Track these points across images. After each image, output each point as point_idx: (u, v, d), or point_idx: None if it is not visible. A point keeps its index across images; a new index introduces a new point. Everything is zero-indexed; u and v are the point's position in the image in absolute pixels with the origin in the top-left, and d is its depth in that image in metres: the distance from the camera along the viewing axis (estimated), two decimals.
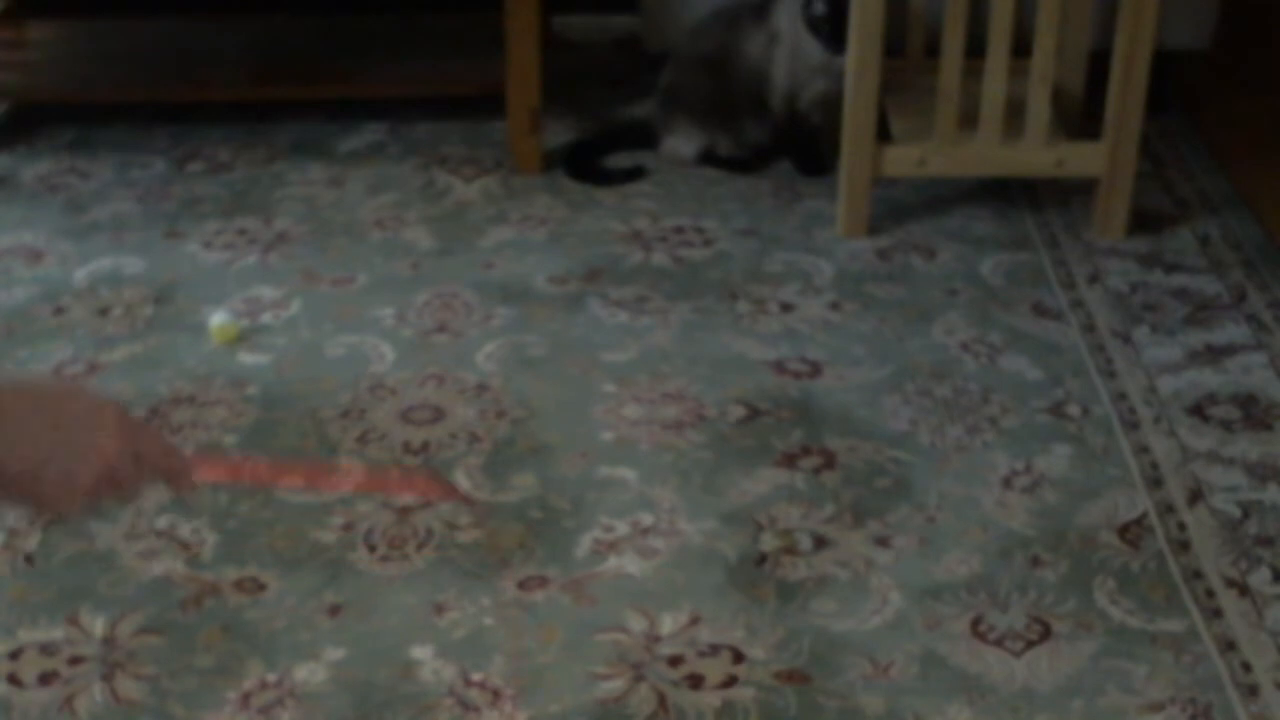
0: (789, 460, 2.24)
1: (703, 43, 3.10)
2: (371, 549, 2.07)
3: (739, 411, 2.35)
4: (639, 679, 1.86)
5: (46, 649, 1.91)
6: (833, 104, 2.91)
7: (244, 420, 2.34)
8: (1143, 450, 2.26)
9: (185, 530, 2.11)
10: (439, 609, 1.97)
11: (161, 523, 2.12)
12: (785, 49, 2.99)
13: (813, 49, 2.93)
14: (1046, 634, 1.92)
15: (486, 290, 2.68)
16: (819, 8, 2.89)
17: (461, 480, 2.20)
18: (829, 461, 2.24)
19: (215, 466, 1.34)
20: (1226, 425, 2.31)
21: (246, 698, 1.84)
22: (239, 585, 2.01)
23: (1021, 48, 2.71)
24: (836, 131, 2.81)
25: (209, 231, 2.87)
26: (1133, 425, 2.31)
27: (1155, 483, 2.19)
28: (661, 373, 2.45)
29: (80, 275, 2.74)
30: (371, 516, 2.13)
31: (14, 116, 3.33)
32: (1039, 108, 2.72)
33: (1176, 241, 2.83)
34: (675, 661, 1.89)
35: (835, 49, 2.86)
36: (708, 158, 3.10)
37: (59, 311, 2.63)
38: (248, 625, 1.94)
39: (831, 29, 2.86)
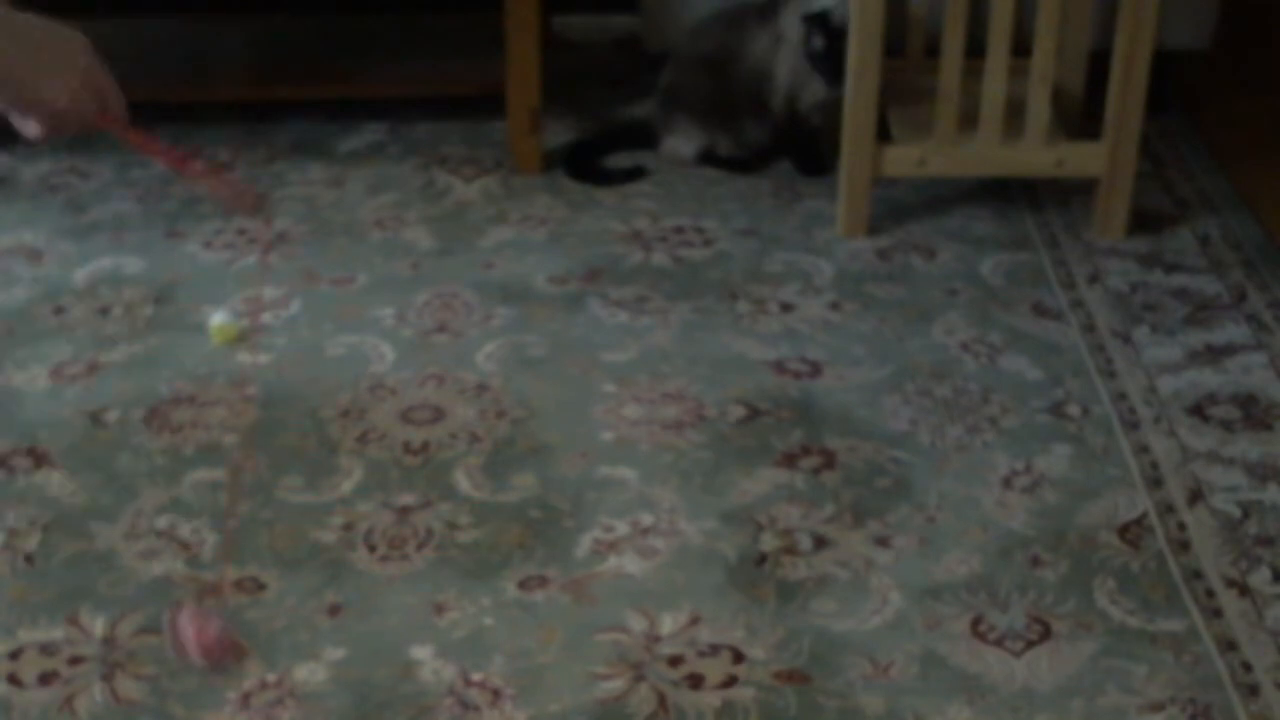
0: (789, 460, 2.24)
1: (704, 43, 3.10)
2: (371, 549, 2.07)
3: (739, 411, 2.35)
4: (639, 679, 1.86)
5: (46, 649, 1.91)
6: (833, 107, 2.91)
7: (244, 420, 2.34)
8: (1143, 450, 2.26)
9: (185, 530, 2.11)
10: (439, 609, 1.97)
11: (161, 523, 2.12)
12: (789, 51, 2.99)
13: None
14: (1046, 634, 1.92)
15: (486, 290, 2.68)
16: (818, 42, 2.90)
17: (461, 480, 2.20)
18: (829, 461, 2.24)
19: (141, 139, 1.52)
20: (1226, 425, 2.31)
21: (246, 698, 1.84)
22: (239, 585, 2.01)
23: (1021, 48, 2.71)
24: (836, 132, 2.81)
25: (209, 231, 2.87)
26: (1133, 425, 2.31)
27: (1155, 483, 2.19)
28: (661, 373, 2.45)
29: (80, 275, 2.74)
30: (371, 516, 2.13)
31: None
32: (1039, 108, 2.72)
33: (1176, 241, 2.83)
34: (675, 661, 1.89)
35: (833, 83, 2.87)
36: (707, 157, 3.10)
37: (59, 311, 2.63)
38: (248, 625, 1.94)
39: (829, 63, 2.87)
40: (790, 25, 2.98)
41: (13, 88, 1.34)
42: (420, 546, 2.08)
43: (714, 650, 1.90)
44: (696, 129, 3.10)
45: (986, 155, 2.78)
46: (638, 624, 1.95)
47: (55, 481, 2.21)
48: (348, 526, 2.12)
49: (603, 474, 2.22)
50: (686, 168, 3.10)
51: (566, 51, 3.52)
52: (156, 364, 2.48)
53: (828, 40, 2.88)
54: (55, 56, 1.37)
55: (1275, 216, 2.84)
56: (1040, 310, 2.61)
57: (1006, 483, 2.19)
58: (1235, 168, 3.05)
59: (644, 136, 3.16)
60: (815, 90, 2.98)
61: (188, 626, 1.57)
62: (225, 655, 1.61)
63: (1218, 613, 1.95)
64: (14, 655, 1.90)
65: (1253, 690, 1.84)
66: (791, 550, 2.07)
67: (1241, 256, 2.78)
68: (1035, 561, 2.04)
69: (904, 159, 2.80)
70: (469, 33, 3.33)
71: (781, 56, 3.01)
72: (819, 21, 2.90)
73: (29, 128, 1.39)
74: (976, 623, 1.94)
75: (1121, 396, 2.38)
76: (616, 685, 1.85)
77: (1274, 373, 2.44)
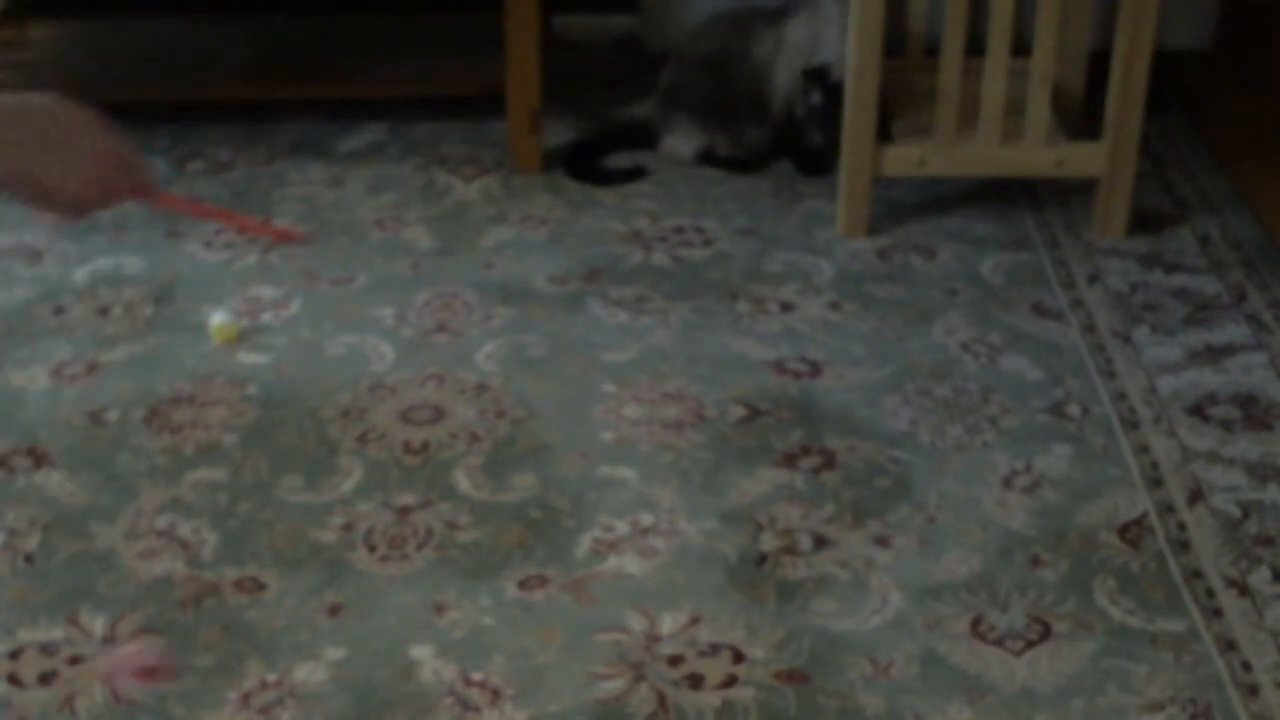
0: (789, 460, 2.24)
1: (706, 43, 3.10)
2: (371, 549, 2.07)
3: (739, 411, 2.35)
4: (639, 679, 1.86)
5: (46, 649, 1.91)
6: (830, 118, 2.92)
7: (244, 420, 2.34)
8: (1143, 450, 2.26)
9: (185, 530, 2.11)
10: (439, 609, 1.97)
11: (161, 523, 2.12)
12: (790, 56, 2.99)
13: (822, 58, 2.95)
14: (1046, 634, 1.92)
15: (486, 290, 2.68)
16: (815, 98, 2.92)
17: (461, 480, 2.20)
18: (829, 461, 2.24)
19: (176, 201, 1.51)
20: (1226, 425, 2.31)
21: (246, 698, 1.84)
22: (239, 585, 2.01)
23: (1021, 47, 2.71)
24: (837, 134, 2.81)
25: (209, 232, 2.87)
26: (1133, 425, 2.31)
27: (1155, 483, 2.19)
28: (661, 373, 2.45)
29: (80, 275, 2.74)
30: (371, 516, 2.13)
31: None
32: (1039, 108, 2.72)
33: (1176, 241, 2.83)
34: (675, 661, 1.89)
35: (829, 138, 2.89)
36: (707, 157, 3.10)
37: (59, 311, 2.63)
38: (248, 625, 1.94)
39: (826, 119, 2.89)
40: (794, 31, 2.99)
41: (22, 187, 1.31)
42: (420, 546, 2.08)
43: (714, 650, 1.90)
44: (696, 128, 3.10)
45: (986, 155, 2.78)
46: (638, 624, 1.95)
47: (55, 481, 2.21)
48: (348, 526, 2.12)
49: (603, 474, 2.22)
50: (686, 167, 3.10)
51: (566, 51, 3.52)
52: (156, 364, 2.48)
53: (825, 96, 2.89)
54: (62, 146, 1.32)
55: (1275, 216, 2.84)
56: (1040, 310, 2.61)
57: (1006, 483, 2.19)
58: (1235, 168, 3.05)
59: (644, 136, 3.16)
60: (813, 96, 2.98)
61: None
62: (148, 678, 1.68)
63: (1218, 613, 1.95)
64: (14, 655, 1.90)
65: (1253, 690, 1.84)
66: (791, 550, 2.07)
67: (1241, 256, 2.78)
68: (1035, 561, 2.04)
69: (904, 159, 2.80)
70: (469, 33, 3.33)
71: (783, 61, 3.01)
72: (817, 77, 2.91)
73: (47, 216, 1.37)
74: (976, 623, 1.94)
75: (1121, 396, 2.38)
76: (616, 685, 1.85)
77: (1274, 373, 2.44)
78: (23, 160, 1.30)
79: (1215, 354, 2.49)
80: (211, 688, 1.85)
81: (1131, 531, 2.10)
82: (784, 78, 3.02)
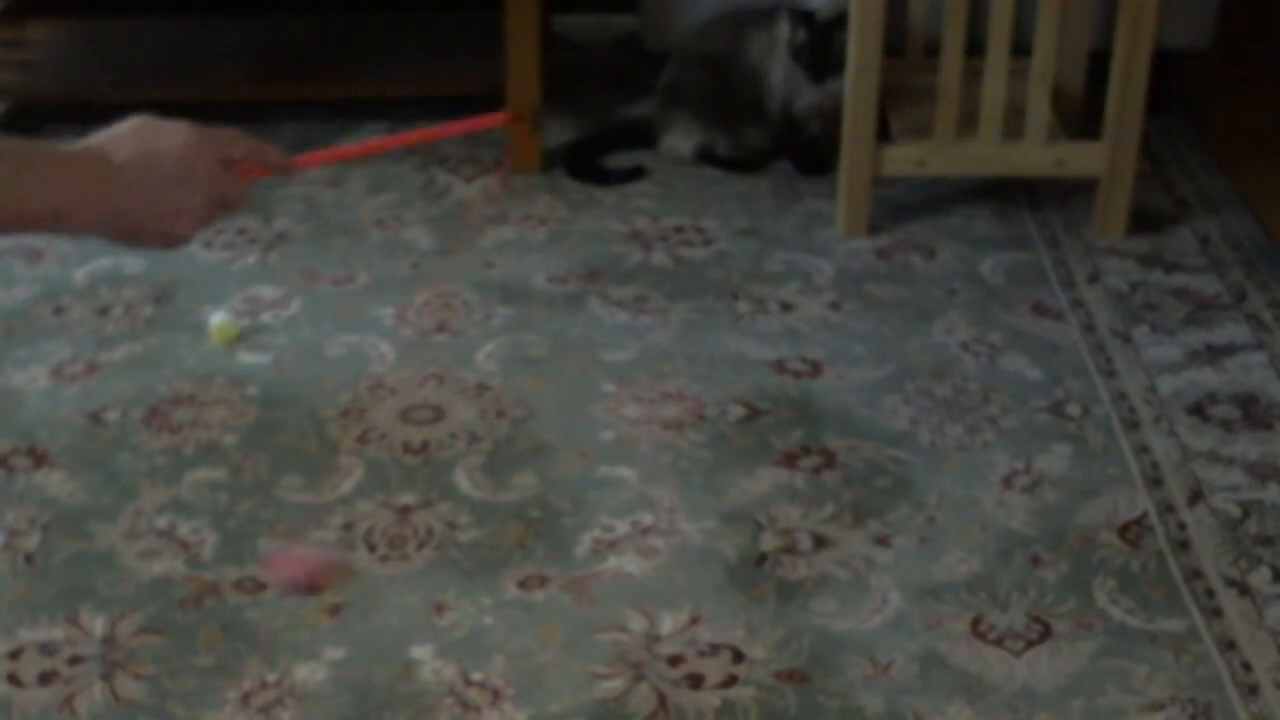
0: (789, 460, 2.24)
1: (708, 42, 3.10)
2: (371, 549, 2.07)
3: (739, 411, 2.35)
4: (639, 679, 1.86)
5: (46, 649, 1.91)
6: (828, 113, 2.91)
7: (244, 420, 2.34)
8: (1143, 450, 2.26)
9: (185, 530, 2.11)
10: (439, 609, 1.97)
11: (161, 523, 2.12)
12: (782, 54, 2.99)
13: None
14: (1046, 634, 1.92)
15: (486, 290, 2.68)
16: (800, 36, 2.91)
17: (461, 480, 2.20)
18: (829, 461, 2.24)
19: (311, 156, 1.46)
20: (1226, 425, 2.31)
21: (246, 698, 1.84)
22: (239, 585, 2.01)
23: (1021, 47, 2.71)
24: (836, 133, 2.81)
25: (209, 231, 2.87)
26: (1133, 425, 2.31)
27: (1155, 482, 2.19)
28: (661, 372, 2.45)
29: (80, 275, 2.74)
30: (371, 516, 2.13)
31: (14, 116, 3.33)
32: (1039, 108, 2.72)
33: (1176, 241, 2.83)
34: (675, 661, 1.89)
35: (815, 77, 2.88)
36: (705, 156, 3.10)
37: (59, 311, 2.63)
38: (248, 625, 1.94)
39: (812, 58, 2.88)
40: (784, 29, 2.98)
41: (140, 239, 1.29)
42: (420, 546, 2.08)
43: (714, 650, 1.90)
44: (695, 126, 3.09)
45: (986, 155, 2.78)
46: (638, 624, 1.95)
47: (55, 481, 2.21)
48: (348, 526, 2.12)
49: (603, 474, 2.22)
50: (686, 167, 3.10)
51: (566, 51, 3.52)
52: (156, 364, 2.48)
53: (810, 35, 2.88)
54: (176, 187, 1.28)
55: (1275, 216, 2.84)
56: (1040, 310, 2.61)
57: (1006, 482, 2.19)
58: (1235, 168, 3.04)
59: (644, 136, 3.16)
60: (808, 96, 2.98)
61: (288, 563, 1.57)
62: (324, 578, 1.59)
63: (1218, 613, 1.95)
64: (14, 655, 1.90)
65: (1253, 690, 1.84)
66: (791, 550, 2.07)
67: (1241, 256, 2.78)
68: (1035, 561, 2.04)
69: (904, 159, 2.80)
70: (469, 33, 3.33)
71: (776, 60, 3.01)
72: (803, 18, 2.90)
73: (148, 248, 1.33)
74: (976, 623, 1.94)
75: (1121, 396, 2.38)
76: (616, 685, 1.85)
77: (1274, 373, 2.44)
78: (136, 221, 1.27)
79: (1215, 354, 2.49)
80: (211, 688, 1.85)
81: (1131, 531, 2.10)
82: (779, 78, 3.02)
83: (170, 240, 1.31)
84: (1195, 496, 2.16)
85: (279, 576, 1.61)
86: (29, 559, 2.06)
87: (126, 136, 1.27)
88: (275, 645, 1.91)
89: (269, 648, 1.91)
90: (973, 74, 2.72)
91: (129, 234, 1.28)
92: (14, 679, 1.87)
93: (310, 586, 1.56)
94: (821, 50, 2.84)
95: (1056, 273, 2.72)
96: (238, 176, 1.34)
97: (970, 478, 2.20)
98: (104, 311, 2.62)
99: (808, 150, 3.06)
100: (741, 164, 3.09)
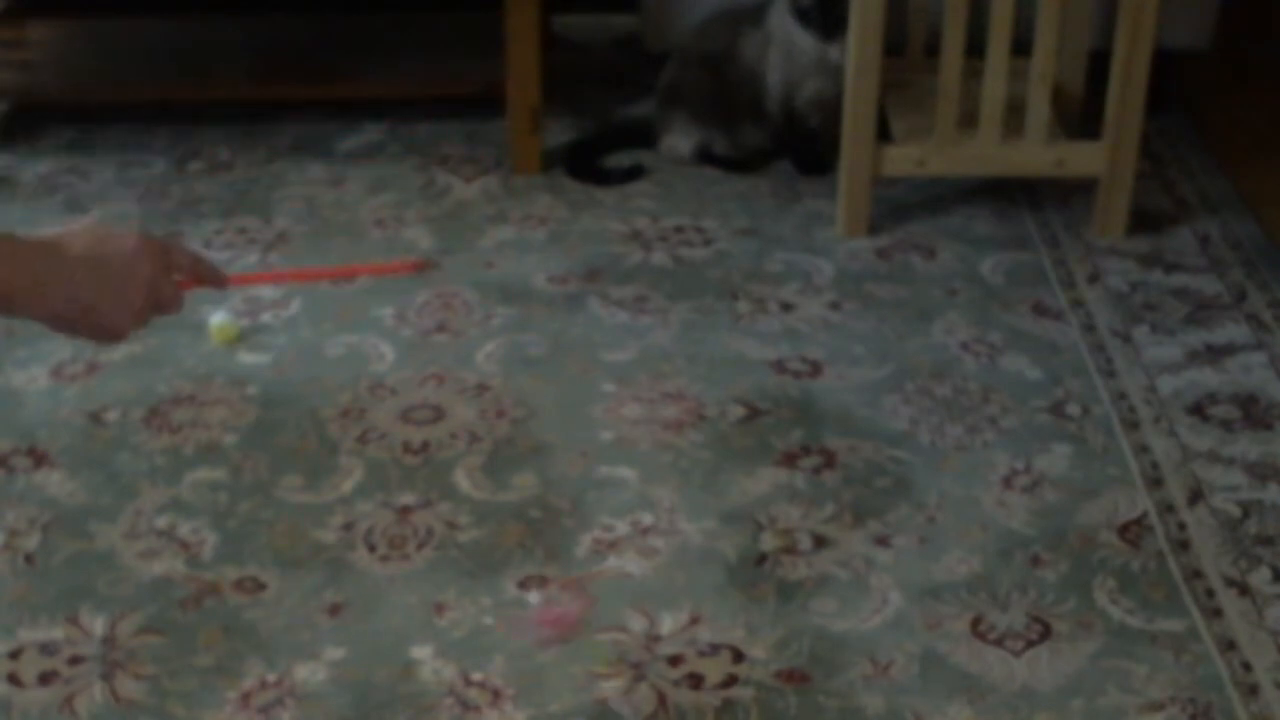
0: (789, 460, 2.24)
1: (707, 42, 3.10)
2: (371, 549, 2.07)
3: (739, 411, 2.35)
4: (639, 679, 1.86)
5: (46, 649, 1.91)
6: (830, 104, 2.91)
7: (244, 420, 2.34)
8: (1143, 450, 2.26)
9: (185, 530, 2.11)
10: (439, 609, 1.97)
11: (161, 523, 2.12)
12: (778, 50, 2.99)
13: (805, 46, 2.93)
14: (1046, 634, 1.92)
15: (486, 290, 2.68)
16: (806, 1, 2.89)
17: (461, 480, 2.20)
18: (829, 461, 2.24)
19: (247, 275, 1.59)
20: (1226, 425, 2.31)
21: (246, 698, 1.84)
22: (239, 585, 2.01)
23: (1021, 47, 2.71)
24: (836, 130, 2.81)
25: (209, 231, 2.87)
26: (1133, 425, 2.31)
27: (1155, 482, 2.19)
28: (661, 372, 2.45)
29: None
30: (371, 516, 2.13)
31: (14, 116, 3.33)
32: (1039, 107, 2.72)
33: (1176, 241, 2.83)
34: (675, 661, 1.89)
35: (826, 37, 2.86)
36: (704, 155, 3.10)
37: None
38: (248, 625, 1.94)
39: (821, 17, 2.87)
40: (777, 25, 2.98)
41: (79, 330, 1.39)
42: (420, 546, 2.08)
43: (714, 650, 1.91)
44: (694, 126, 3.09)
45: (986, 155, 2.78)
46: (638, 624, 1.95)
47: (55, 481, 2.21)
48: (348, 526, 2.12)
49: (603, 474, 2.22)
50: (686, 167, 3.10)
51: (566, 51, 3.52)
52: (156, 364, 2.48)
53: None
54: (121, 287, 1.39)
55: (1275, 216, 2.84)
56: (1040, 310, 2.61)
57: (1006, 482, 2.19)
58: (1235, 168, 3.04)
59: (644, 136, 3.16)
60: (809, 87, 2.98)
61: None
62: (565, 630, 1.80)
63: (1218, 613, 1.95)
64: (14, 655, 1.90)
65: (1253, 690, 1.84)
66: (791, 550, 2.07)
67: (1241, 256, 2.78)
68: (1035, 561, 2.04)
69: (904, 159, 2.80)
70: (469, 33, 3.33)
71: (771, 57, 3.01)
72: None
73: (91, 342, 1.43)
74: (976, 622, 1.94)
75: (1121, 396, 2.38)
76: (616, 685, 1.85)
77: (1274, 373, 2.44)
78: (79, 310, 1.36)
79: (1215, 354, 2.49)
80: (211, 688, 1.85)
81: (1131, 531, 2.10)
82: (775, 75, 3.01)
83: (107, 334, 1.40)
84: (1195, 496, 2.16)
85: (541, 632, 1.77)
86: (29, 559, 2.06)
87: (80, 234, 1.38)
88: (275, 645, 1.91)
89: (269, 648, 1.91)
90: (973, 74, 2.72)
91: (70, 324, 1.37)
92: (14, 679, 1.87)
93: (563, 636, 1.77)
94: (830, 8, 2.81)
95: (1056, 273, 2.72)
96: (175, 285, 1.45)
97: (970, 478, 2.20)
98: None
99: (808, 148, 3.06)
100: (741, 164, 3.09)
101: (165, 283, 1.44)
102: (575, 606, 1.74)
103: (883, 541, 2.08)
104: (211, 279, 1.51)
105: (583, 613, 1.72)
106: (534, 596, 1.91)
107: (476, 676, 1.87)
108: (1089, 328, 2.56)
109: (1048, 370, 2.45)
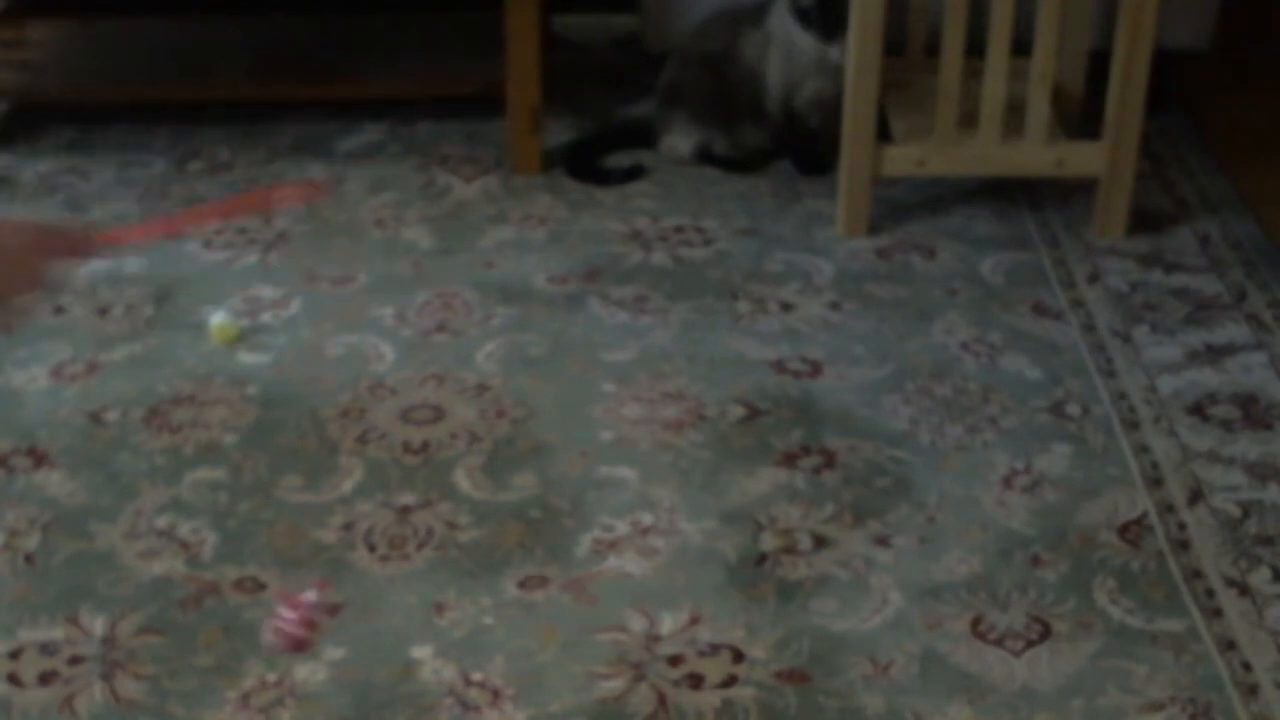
0: (789, 460, 2.24)
1: (706, 42, 3.10)
2: (371, 549, 2.07)
3: (739, 411, 2.35)
4: (639, 679, 1.86)
5: (46, 649, 1.91)
6: (830, 104, 2.91)
7: (244, 420, 2.34)
8: (1143, 450, 2.26)
9: (185, 530, 2.11)
10: (439, 609, 1.97)
11: (161, 523, 2.12)
12: (778, 50, 2.99)
13: (806, 47, 2.93)
14: (1046, 634, 1.92)
15: (486, 290, 2.68)
16: (806, 1, 2.89)
17: (461, 480, 2.20)
18: (829, 461, 2.24)
19: (124, 232, 1.59)
20: (1226, 425, 2.31)
21: (246, 698, 1.84)
22: (239, 585, 2.01)
23: (1021, 47, 2.71)
24: (836, 130, 2.81)
25: (209, 231, 2.87)
26: (1133, 425, 2.31)
27: (1155, 482, 2.19)
28: (661, 372, 2.45)
29: (80, 275, 2.74)
30: (371, 516, 2.13)
31: (14, 116, 3.33)
32: (1039, 107, 2.72)
33: (1176, 241, 2.83)
34: (675, 661, 1.89)
35: (826, 37, 2.87)
36: (704, 155, 3.10)
37: (59, 311, 2.62)
38: (248, 625, 1.94)
39: (821, 17, 2.87)
40: (777, 25, 2.98)
41: None
42: (420, 546, 2.08)
43: (714, 650, 1.91)
44: (694, 126, 3.09)
45: (986, 155, 2.78)
46: (638, 624, 1.95)
47: (55, 481, 2.21)
48: (348, 526, 2.12)
49: (603, 474, 2.22)
50: (686, 167, 3.10)
51: (566, 51, 3.52)
52: (156, 364, 2.48)
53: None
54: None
55: (1275, 216, 2.84)
56: (1040, 310, 2.61)
57: (1006, 482, 2.19)
58: (1235, 168, 3.04)
59: (644, 136, 3.16)
60: (809, 87, 2.98)
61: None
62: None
63: (1218, 613, 1.95)
64: (14, 655, 1.90)
65: (1253, 690, 1.84)
66: (791, 550, 2.07)
67: (1241, 256, 2.78)
68: (1035, 561, 2.04)
69: (904, 159, 2.80)
70: (469, 33, 3.33)
71: (771, 58, 3.01)
72: None
73: None
74: (976, 622, 1.94)
75: (1121, 396, 2.38)
76: (616, 685, 1.85)
77: (1274, 373, 2.44)
78: None
79: (1215, 354, 2.49)
80: (211, 688, 1.85)
81: (1131, 531, 2.10)
82: (775, 75, 3.02)
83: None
84: (1195, 496, 2.16)
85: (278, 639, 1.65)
86: (29, 559, 2.06)
87: None
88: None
89: (269, 648, 1.91)
90: (973, 74, 2.72)
91: None
92: (14, 679, 1.87)
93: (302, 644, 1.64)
94: (831, 4, 2.82)
95: (1056, 273, 2.72)
96: (38, 265, 1.45)
97: (970, 478, 2.20)
98: (104, 311, 2.62)
99: (808, 147, 3.06)
100: (741, 164, 3.09)
101: (41, 259, 1.45)
102: (304, 632, 1.65)
103: (883, 541, 2.08)
104: (81, 245, 1.52)
105: (312, 639, 1.66)
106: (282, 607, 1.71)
107: (476, 676, 1.87)
108: (1089, 328, 2.56)
109: (1048, 370, 2.45)
